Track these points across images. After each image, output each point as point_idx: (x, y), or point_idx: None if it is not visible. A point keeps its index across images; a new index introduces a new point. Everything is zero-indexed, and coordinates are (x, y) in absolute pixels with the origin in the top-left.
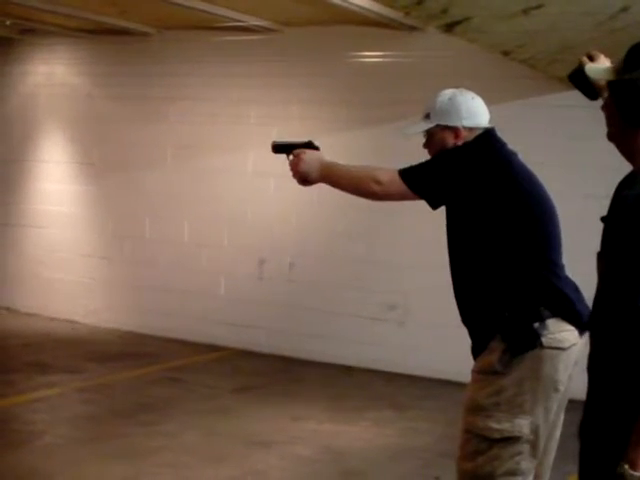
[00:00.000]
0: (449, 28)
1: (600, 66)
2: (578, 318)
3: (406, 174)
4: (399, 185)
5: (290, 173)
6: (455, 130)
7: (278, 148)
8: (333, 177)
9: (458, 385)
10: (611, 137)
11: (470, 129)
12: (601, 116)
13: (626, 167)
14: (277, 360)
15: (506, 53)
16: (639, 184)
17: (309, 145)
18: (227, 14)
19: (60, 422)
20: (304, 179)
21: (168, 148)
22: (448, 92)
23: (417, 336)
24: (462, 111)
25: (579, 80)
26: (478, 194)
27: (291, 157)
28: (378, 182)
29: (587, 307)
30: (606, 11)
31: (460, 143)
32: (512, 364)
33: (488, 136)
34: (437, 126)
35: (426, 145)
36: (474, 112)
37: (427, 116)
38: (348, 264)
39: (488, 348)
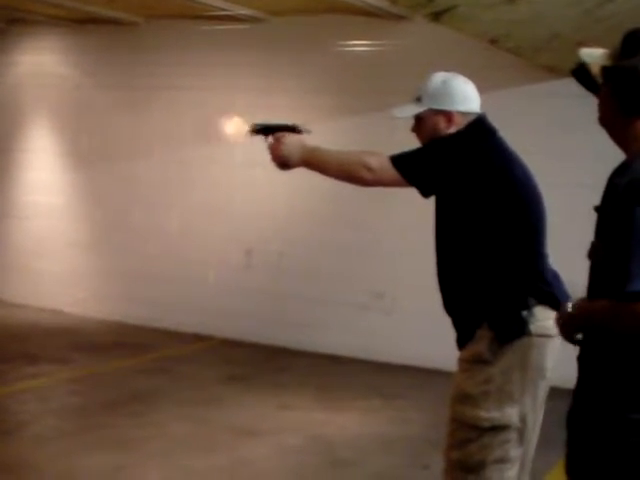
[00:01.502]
0: (436, 17)
1: (595, 51)
2: (559, 305)
3: (398, 161)
4: (391, 172)
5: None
6: (448, 115)
7: (256, 130)
8: (318, 162)
9: (446, 374)
10: (603, 122)
11: (464, 114)
12: (588, 104)
13: (615, 155)
14: (265, 349)
15: (493, 41)
16: (630, 172)
17: (292, 129)
18: (214, 3)
19: (48, 413)
20: (284, 163)
21: (156, 137)
22: (441, 75)
23: (405, 325)
24: (456, 95)
25: (582, 75)
26: (469, 183)
27: (270, 140)
28: (369, 168)
29: (567, 295)
30: (592, 0)
31: (453, 128)
32: (501, 352)
33: (481, 124)
34: (429, 110)
35: (415, 129)
36: (468, 97)
37: (419, 99)
38: (336, 253)
39: (475, 337)
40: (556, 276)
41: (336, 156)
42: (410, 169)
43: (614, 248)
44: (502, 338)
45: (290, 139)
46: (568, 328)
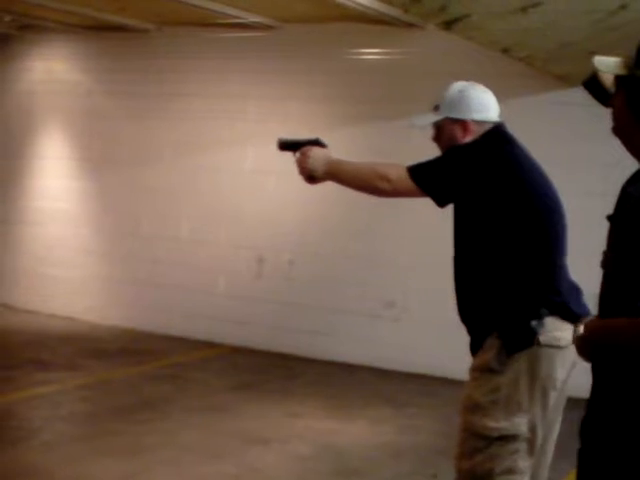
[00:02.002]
0: (448, 25)
1: (609, 59)
2: (576, 317)
3: (415, 172)
4: (408, 183)
5: (294, 171)
6: (464, 123)
7: (284, 145)
8: (340, 174)
9: (457, 382)
10: (617, 132)
11: (480, 123)
12: (599, 113)
13: (625, 164)
14: (275, 357)
15: (505, 51)
16: None
17: (316, 142)
18: (226, 11)
19: (59, 419)
20: (310, 176)
21: (167, 144)
22: (459, 85)
23: (415, 333)
24: (472, 104)
25: (594, 87)
26: (485, 193)
27: (297, 154)
28: (387, 180)
29: (586, 308)
30: (605, 9)
31: (469, 137)
32: (509, 362)
33: (497, 133)
34: (446, 119)
35: (435, 138)
36: (484, 106)
37: (436, 108)
38: (346, 261)
39: (484, 346)
40: (575, 288)
41: (356, 168)
42: (425, 179)
43: (628, 259)
44: (510, 347)
45: (315, 152)
46: (583, 350)
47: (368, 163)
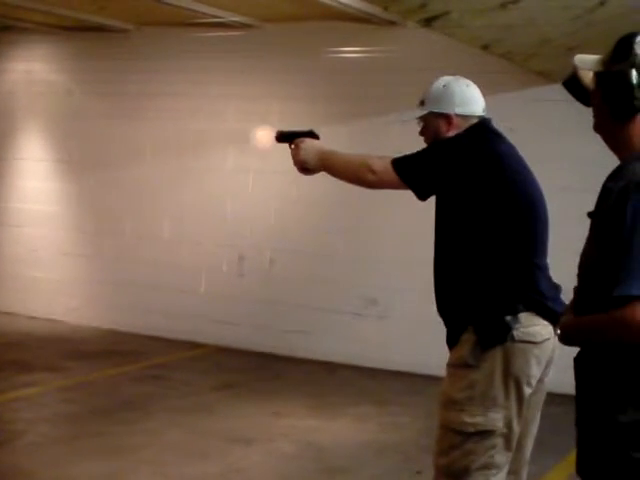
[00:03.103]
0: (428, 22)
1: (588, 57)
2: (553, 314)
3: (397, 163)
4: (391, 174)
5: (275, 169)
6: (448, 117)
7: (280, 137)
8: (331, 166)
9: (440, 380)
10: (597, 128)
11: (464, 117)
12: (579, 110)
13: (605, 160)
14: (258, 357)
15: (485, 47)
16: (623, 176)
17: (310, 134)
18: (206, 10)
19: (41, 421)
20: (304, 167)
21: (147, 145)
22: (443, 79)
23: (398, 331)
24: (455, 98)
25: (573, 86)
26: (465, 187)
27: (293, 146)
28: (372, 171)
29: (564, 305)
30: (584, 5)
31: (453, 131)
32: (483, 357)
33: (480, 127)
34: (431, 113)
35: (421, 132)
36: (468, 100)
37: (422, 103)
38: (329, 260)
39: (460, 341)
40: (555, 287)
41: (346, 159)
42: (406, 171)
43: (606, 252)
44: (484, 342)
45: (307, 144)
46: (566, 343)
47: (359, 155)
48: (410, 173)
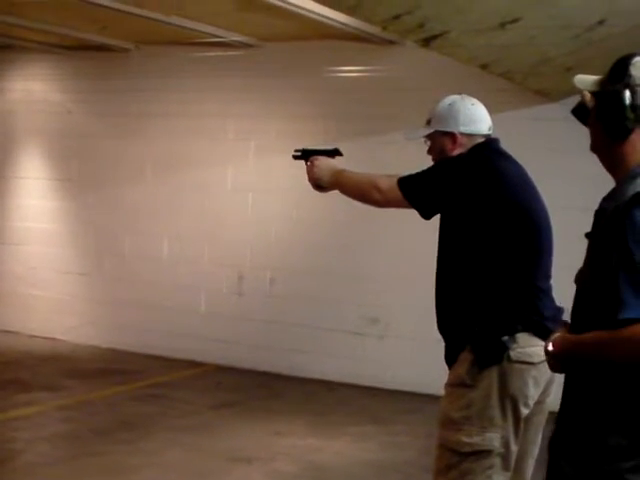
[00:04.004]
0: (426, 42)
1: (587, 78)
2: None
3: (403, 183)
4: (396, 193)
5: (274, 189)
6: (453, 136)
7: (301, 154)
8: (342, 185)
9: (440, 399)
10: (593, 148)
11: (469, 136)
12: (578, 129)
13: (605, 179)
14: (258, 375)
15: (484, 67)
16: (617, 197)
17: (334, 152)
18: (206, 30)
19: (40, 440)
20: (317, 184)
21: (147, 164)
22: (449, 98)
23: (399, 350)
24: (460, 117)
25: (582, 114)
26: (468, 207)
27: (308, 163)
28: (379, 190)
29: None
30: (583, 24)
31: (458, 150)
32: (480, 377)
33: (485, 147)
34: (436, 132)
35: (429, 151)
36: (473, 118)
37: (428, 122)
38: (329, 279)
39: (458, 359)
40: (556, 308)
41: (355, 179)
42: (410, 191)
43: (604, 274)
44: (481, 362)
45: (321, 162)
46: (553, 366)
47: (368, 174)
48: (414, 192)
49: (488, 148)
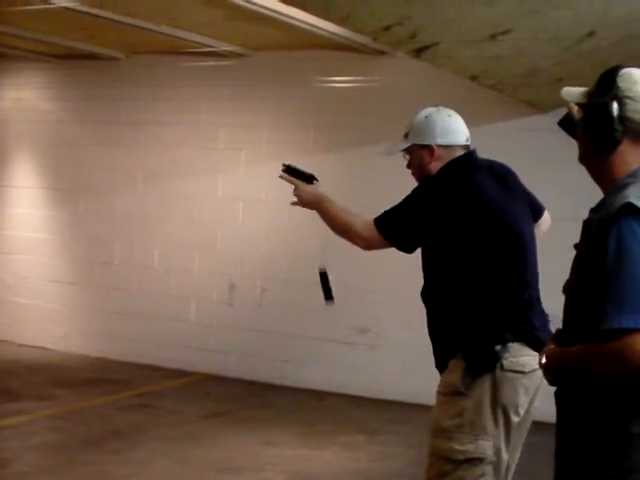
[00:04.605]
0: (417, 53)
1: (575, 90)
2: (542, 345)
3: (379, 223)
4: (377, 237)
5: (265, 199)
6: (430, 148)
7: (287, 171)
8: (324, 216)
9: (430, 409)
10: (582, 160)
11: (446, 147)
12: (568, 140)
13: (595, 190)
14: (248, 385)
15: (473, 78)
16: (605, 208)
17: (310, 178)
18: (196, 39)
19: (29, 449)
20: (300, 202)
21: (138, 173)
22: (426, 111)
23: (389, 360)
24: (437, 129)
25: (568, 126)
26: (447, 231)
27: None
28: (362, 238)
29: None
30: (573, 36)
31: (437, 162)
32: (473, 385)
33: (462, 162)
34: (414, 145)
35: (408, 165)
36: (449, 130)
37: (406, 135)
38: (319, 288)
39: (449, 367)
40: (545, 318)
41: (338, 220)
42: (388, 230)
43: (589, 284)
44: (474, 371)
45: (303, 189)
46: (547, 377)
47: (349, 218)
48: (392, 232)
49: (465, 163)
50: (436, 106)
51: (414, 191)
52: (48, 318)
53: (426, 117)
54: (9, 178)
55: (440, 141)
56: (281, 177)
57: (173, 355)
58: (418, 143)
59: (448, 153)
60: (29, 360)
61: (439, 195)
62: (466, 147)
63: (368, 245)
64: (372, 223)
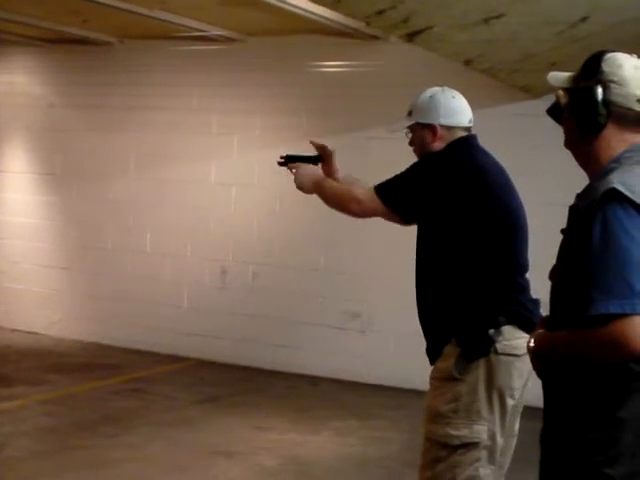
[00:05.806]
0: (410, 37)
1: (560, 74)
2: (534, 327)
3: (380, 189)
4: (375, 202)
5: (257, 184)
6: (432, 128)
7: (284, 161)
8: (322, 195)
9: (422, 394)
10: (567, 144)
11: (448, 128)
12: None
13: (585, 175)
14: (240, 370)
15: (467, 62)
16: (590, 193)
17: (315, 159)
18: (189, 24)
19: (22, 434)
20: (300, 189)
21: (130, 158)
22: (430, 90)
23: (381, 345)
24: (440, 109)
25: (557, 114)
26: (447, 206)
27: (294, 170)
28: (358, 201)
29: None
30: (566, 20)
31: (438, 142)
32: (468, 370)
33: (463, 143)
34: (417, 123)
35: (410, 142)
36: (453, 111)
37: (409, 113)
38: (311, 273)
39: (443, 353)
40: (535, 302)
41: (335, 191)
42: (389, 196)
43: (575, 270)
44: (468, 355)
45: (302, 170)
46: (534, 363)
47: (347, 185)
48: (392, 197)
49: (467, 144)
50: (441, 86)
51: (417, 163)
52: (41, 303)
53: (430, 97)
54: (1, 163)
55: (443, 121)
56: (280, 164)
57: (166, 340)
58: (421, 122)
59: (450, 134)
60: (22, 345)
61: (443, 170)
62: (468, 129)
63: (363, 209)
64: (372, 189)
